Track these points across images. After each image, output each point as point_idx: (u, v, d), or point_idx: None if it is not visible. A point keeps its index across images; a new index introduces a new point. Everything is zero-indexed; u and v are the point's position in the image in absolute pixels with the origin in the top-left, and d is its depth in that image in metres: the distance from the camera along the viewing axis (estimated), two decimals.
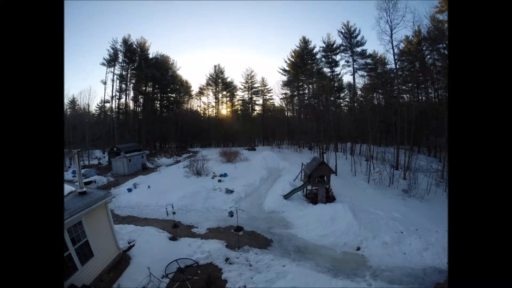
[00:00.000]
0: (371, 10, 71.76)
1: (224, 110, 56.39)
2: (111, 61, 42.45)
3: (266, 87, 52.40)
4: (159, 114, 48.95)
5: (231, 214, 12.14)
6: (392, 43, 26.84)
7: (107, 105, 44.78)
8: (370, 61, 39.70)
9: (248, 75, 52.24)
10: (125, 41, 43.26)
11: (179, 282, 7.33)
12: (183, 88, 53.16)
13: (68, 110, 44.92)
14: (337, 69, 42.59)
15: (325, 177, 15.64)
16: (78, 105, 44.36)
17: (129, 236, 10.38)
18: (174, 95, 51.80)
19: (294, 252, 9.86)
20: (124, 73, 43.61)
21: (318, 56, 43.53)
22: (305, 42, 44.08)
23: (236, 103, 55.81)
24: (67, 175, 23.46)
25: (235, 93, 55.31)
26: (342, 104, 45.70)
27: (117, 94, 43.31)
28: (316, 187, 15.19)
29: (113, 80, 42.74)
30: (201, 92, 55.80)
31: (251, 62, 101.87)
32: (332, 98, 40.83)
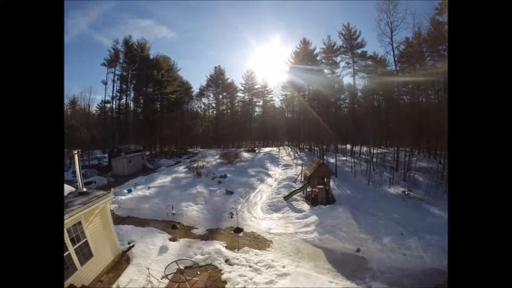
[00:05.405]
0: (371, 12, 71.58)
1: (225, 111, 56.48)
2: (111, 62, 42.57)
3: (267, 88, 52.56)
4: (160, 115, 49.00)
5: (231, 215, 12.14)
6: (392, 45, 26.86)
7: (108, 105, 44.95)
8: (370, 62, 39.77)
9: (248, 77, 52.35)
10: (126, 42, 43.40)
11: (178, 283, 7.31)
12: (184, 89, 53.25)
13: (69, 110, 45.00)
14: (338, 71, 42.71)
15: (325, 178, 15.61)
16: (78, 105, 44.46)
17: (129, 237, 10.38)
18: (174, 96, 51.86)
19: (294, 253, 9.84)
20: (124, 73, 43.72)
21: (318, 57, 43.66)
22: (305, 43, 44.13)
23: (236, 104, 55.89)
24: (67, 175, 23.43)
25: (235, 94, 55.42)
26: (342, 106, 45.71)
27: (118, 94, 43.44)
28: (316, 188, 15.16)
29: (113, 81, 42.89)
30: (201, 93, 55.94)
31: (252, 63, 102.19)
32: (333, 100, 40.85)
